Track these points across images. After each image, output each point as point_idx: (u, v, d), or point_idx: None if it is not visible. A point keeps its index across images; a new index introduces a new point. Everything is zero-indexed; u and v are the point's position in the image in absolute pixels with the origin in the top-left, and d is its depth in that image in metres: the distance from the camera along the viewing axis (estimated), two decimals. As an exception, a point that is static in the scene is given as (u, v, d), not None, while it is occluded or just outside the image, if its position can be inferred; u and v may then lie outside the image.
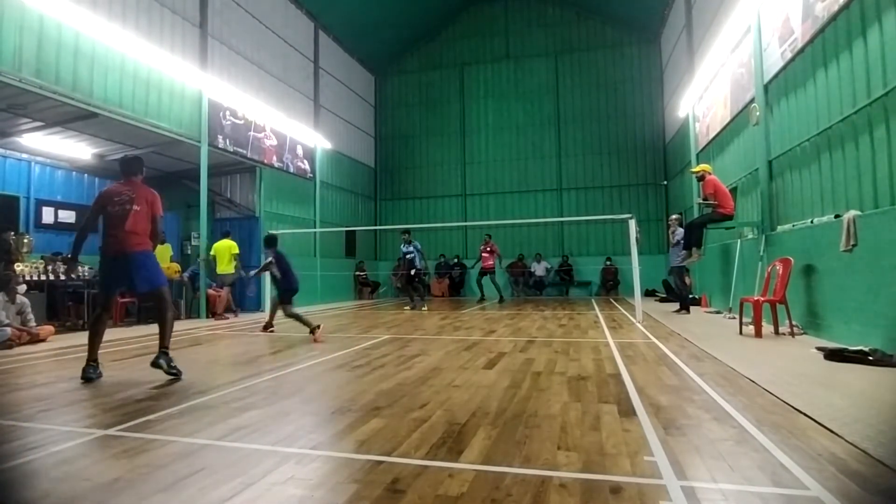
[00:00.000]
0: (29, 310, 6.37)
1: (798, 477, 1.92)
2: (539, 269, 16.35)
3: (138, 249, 4.00)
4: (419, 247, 11.29)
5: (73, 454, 2.32)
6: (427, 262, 11.99)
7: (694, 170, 8.30)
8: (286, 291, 6.74)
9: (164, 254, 9.81)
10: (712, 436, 2.42)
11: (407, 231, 11.68)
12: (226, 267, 9.94)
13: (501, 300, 13.27)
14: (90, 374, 3.86)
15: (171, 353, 4.00)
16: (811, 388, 3.22)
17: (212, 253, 10.07)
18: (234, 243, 10.17)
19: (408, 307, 11.24)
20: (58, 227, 10.43)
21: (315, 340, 6.05)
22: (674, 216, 10.01)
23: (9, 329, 5.96)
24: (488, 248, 13.00)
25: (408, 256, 11.13)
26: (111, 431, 2.63)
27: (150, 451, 2.33)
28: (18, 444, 2.43)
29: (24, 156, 9.92)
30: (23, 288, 6.65)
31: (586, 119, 17.00)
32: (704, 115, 11.06)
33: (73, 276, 7.04)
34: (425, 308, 11.00)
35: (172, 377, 3.92)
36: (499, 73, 17.93)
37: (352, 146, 16.96)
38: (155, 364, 3.88)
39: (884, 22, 4.58)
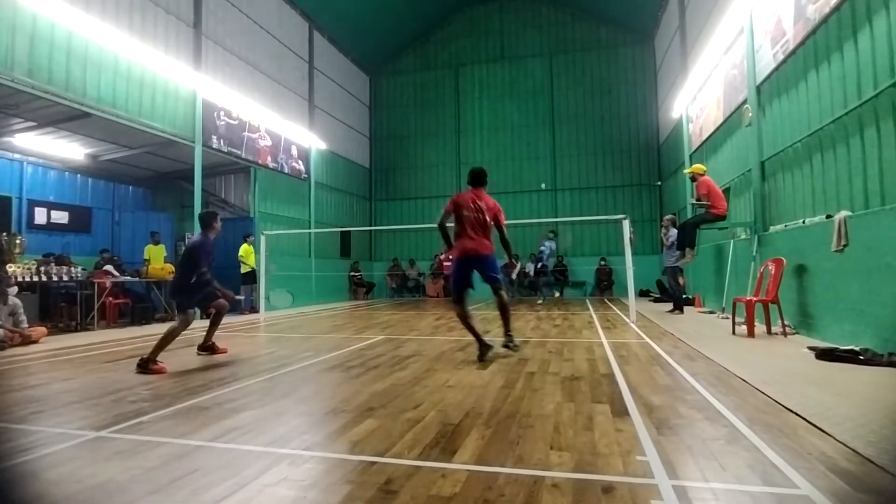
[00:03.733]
0: (21, 311, 6.33)
1: (788, 476, 1.93)
2: (533, 269, 16.34)
3: (488, 252, 4.67)
4: (554, 248, 12.59)
5: (65, 456, 2.31)
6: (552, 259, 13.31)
7: (688, 170, 8.34)
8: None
9: (158, 255, 9.78)
10: (704, 435, 2.43)
11: (553, 231, 13.03)
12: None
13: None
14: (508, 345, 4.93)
15: (170, 354, 4.00)
16: (802, 388, 3.24)
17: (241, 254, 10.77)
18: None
19: (540, 301, 12.10)
20: (50, 227, 10.38)
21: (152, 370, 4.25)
22: (667, 217, 10.02)
23: (1, 330, 5.92)
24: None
25: (541, 249, 11.91)
26: (104, 433, 2.61)
27: (143, 452, 2.33)
28: (10, 447, 2.42)
29: (17, 156, 9.87)
30: (14, 289, 6.61)
31: (580, 120, 17.05)
32: (698, 115, 11.11)
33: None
34: (541, 301, 12.43)
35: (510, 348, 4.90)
36: (493, 73, 17.96)
37: (347, 147, 16.94)
38: (505, 346, 4.91)
39: (874, 24, 4.62)
